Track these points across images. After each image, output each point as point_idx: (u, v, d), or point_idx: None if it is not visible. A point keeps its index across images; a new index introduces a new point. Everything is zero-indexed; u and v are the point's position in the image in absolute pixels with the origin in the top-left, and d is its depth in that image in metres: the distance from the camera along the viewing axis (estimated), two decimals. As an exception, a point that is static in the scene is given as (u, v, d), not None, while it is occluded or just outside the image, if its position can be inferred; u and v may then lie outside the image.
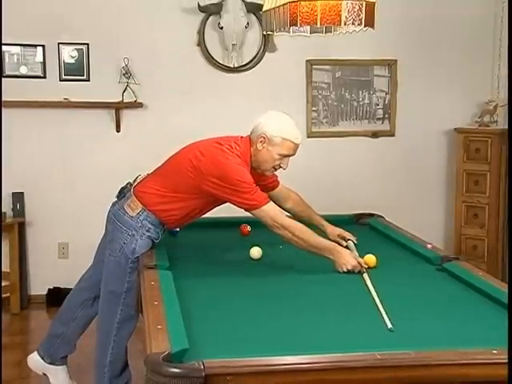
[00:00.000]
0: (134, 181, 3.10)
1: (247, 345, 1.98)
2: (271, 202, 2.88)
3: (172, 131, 4.87)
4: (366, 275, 2.70)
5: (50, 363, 3.35)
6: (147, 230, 2.96)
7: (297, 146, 2.97)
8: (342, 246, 3.04)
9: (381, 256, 2.92)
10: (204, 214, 3.12)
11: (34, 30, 4.71)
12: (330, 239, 3.10)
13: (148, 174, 3.10)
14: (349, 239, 3.19)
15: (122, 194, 3.08)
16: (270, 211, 2.84)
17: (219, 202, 3.01)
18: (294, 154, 2.99)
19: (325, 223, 3.30)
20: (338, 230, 3.25)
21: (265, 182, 3.15)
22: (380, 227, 3.62)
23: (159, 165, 3.11)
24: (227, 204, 3.02)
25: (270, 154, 2.92)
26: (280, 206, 3.20)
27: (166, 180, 2.99)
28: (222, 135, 3.10)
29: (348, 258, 2.78)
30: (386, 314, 2.23)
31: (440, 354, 1.87)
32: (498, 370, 1.79)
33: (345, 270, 2.75)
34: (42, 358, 3.36)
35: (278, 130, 2.92)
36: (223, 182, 2.81)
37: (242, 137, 3.02)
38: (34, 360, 3.39)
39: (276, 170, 3.02)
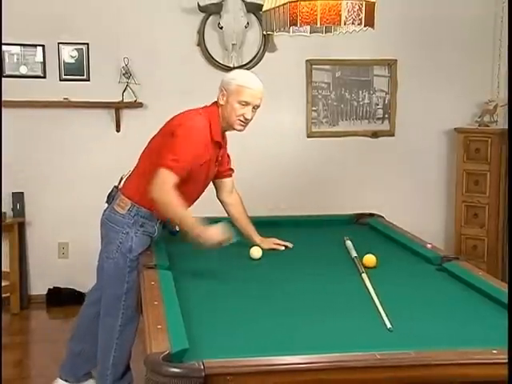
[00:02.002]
0: (119, 183, 3.12)
1: (247, 345, 1.98)
2: (176, 177, 2.80)
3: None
4: (365, 275, 2.70)
5: (76, 382, 3.31)
6: (141, 226, 2.97)
7: (255, 92, 2.93)
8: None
9: (381, 256, 2.92)
10: (192, 199, 3.08)
11: (34, 29, 4.71)
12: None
13: (130, 171, 3.13)
14: (285, 245, 3.22)
15: (111, 198, 3.09)
16: (168, 179, 2.79)
17: (203, 178, 3.03)
18: (256, 104, 2.95)
19: (254, 234, 3.24)
20: (270, 240, 3.22)
21: (220, 168, 3.19)
22: (380, 227, 3.62)
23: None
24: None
25: (231, 105, 2.92)
26: (220, 197, 3.29)
27: (145, 167, 2.99)
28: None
29: (213, 235, 2.74)
30: (386, 314, 2.23)
31: (440, 354, 1.87)
32: (497, 370, 1.79)
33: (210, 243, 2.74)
34: (67, 381, 3.30)
35: (232, 79, 2.96)
36: (174, 135, 2.87)
37: (208, 105, 3.08)
38: None
39: (244, 123, 2.96)
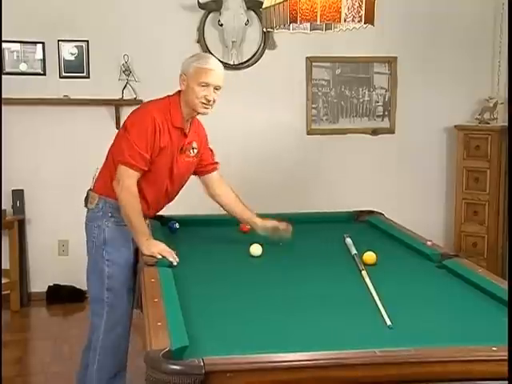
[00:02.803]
0: (92, 182, 3.10)
1: (247, 341, 1.98)
2: (133, 171, 2.80)
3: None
4: (364, 272, 2.70)
5: None
6: (111, 216, 2.92)
7: (214, 72, 2.87)
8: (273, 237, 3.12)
9: (380, 253, 2.92)
10: (164, 197, 3.06)
11: (34, 27, 4.71)
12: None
13: (98, 169, 3.12)
14: (283, 235, 3.15)
15: (87, 201, 3.05)
16: (124, 174, 2.79)
17: (168, 169, 2.95)
18: (218, 85, 2.88)
19: (255, 218, 3.20)
20: (270, 223, 3.17)
21: (202, 163, 3.16)
22: (380, 224, 3.62)
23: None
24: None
25: (191, 88, 2.86)
26: (210, 192, 3.24)
27: (108, 160, 3.00)
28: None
29: (156, 248, 2.73)
30: (385, 311, 2.23)
31: (440, 351, 1.87)
32: (497, 367, 1.79)
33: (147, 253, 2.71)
34: None
35: (189, 62, 2.90)
36: (126, 127, 2.87)
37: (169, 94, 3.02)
38: None
39: (207, 105, 2.88)
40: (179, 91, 2.96)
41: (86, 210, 3.02)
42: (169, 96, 2.99)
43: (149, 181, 2.92)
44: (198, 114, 2.97)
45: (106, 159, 3.06)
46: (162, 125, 2.86)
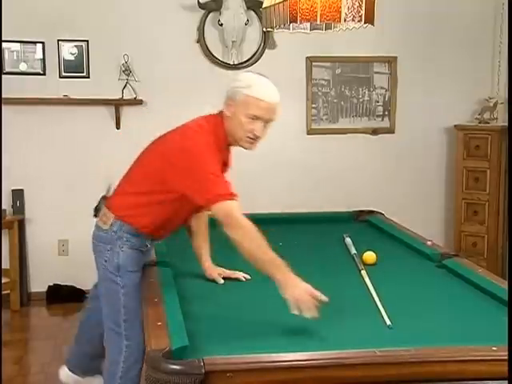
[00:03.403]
0: (107, 192, 2.79)
1: (247, 342, 1.98)
2: (236, 202, 2.39)
3: (171, 128, 4.87)
4: (364, 272, 2.70)
5: (83, 375, 3.09)
6: (127, 240, 2.56)
7: (267, 104, 2.45)
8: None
9: (380, 253, 2.93)
10: (182, 222, 2.74)
11: (34, 26, 4.71)
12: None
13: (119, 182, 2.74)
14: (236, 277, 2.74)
15: (98, 211, 2.73)
16: (232, 212, 2.36)
17: (190, 205, 2.55)
18: (269, 118, 2.49)
19: (206, 258, 2.79)
20: (219, 270, 2.74)
21: None
22: (380, 224, 3.62)
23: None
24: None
25: (238, 118, 2.47)
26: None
27: (139, 185, 2.60)
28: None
29: (302, 296, 2.18)
30: (385, 311, 2.23)
31: (440, 351, 1.87)
32: (497, 367, 1.79)
33: (296, 313, 2.16)
34: (73, 372, 3.09)
35: (238, 87, 2.48)
36: (187, 169, 2.40)
37: (211, 114, 2.62)
38: (67, 375, 3.12)
39: (252, 139, 2.51)
40: (221, 112, 2.57)
41: (97, 226, 2.66)
42: (209, 119, 2.59)
43: (174, 209, 2.58)
44: (240, 147, 2.59)
45: (130, 180, 2.67)
46: (218, 149, 2.50)
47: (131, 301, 2.53)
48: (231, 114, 2.50)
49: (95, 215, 2.74)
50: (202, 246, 2.85)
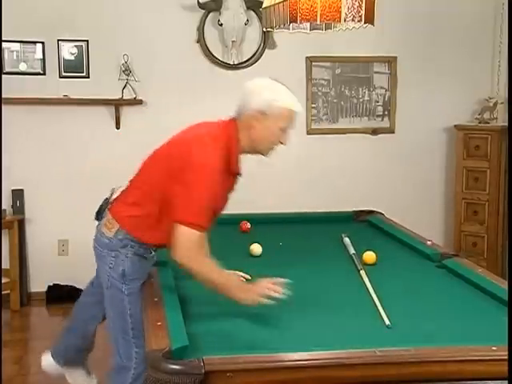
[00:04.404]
0: (110, 195, 2.69)
1: (247, 341, 1.99)
2: (200, 234, 2.35)
3: (172, 128, 4.82)
4: (363, 272, 2.70)
5: (64, 366, 3.10)
6: (131, 247, 2.53)
7: (296, 114, 2.56)
8: None
9: (380, 253, 2.93)
10: None
11: (34, 26, 4.71)
12: None
13: (124, 186, 2.68)
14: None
15: (100, 214, 2.67)
16: (192, 241, 2.33)
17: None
18: (293, 126, 2.58)
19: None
20: None
21: None
22: (380, 224, 3.62)
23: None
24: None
25: (270, 130, 2.47)
26: None
27: (144, 194, 2.54)
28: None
29: (259, 288, 2.31)
30: (384, 310, 2.23)
31: (439, 351, 1.87)
32: (497, 367, 1.79)
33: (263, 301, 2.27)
34: (57, 361, 3.10)
35: (273, 100, 2.48)
36: (190, 183, 2.35)
37: (223, 121, 2.55)
38: (50, 363, 3.13)
39: (273, 148, 2.55)
40: (233, 120, 2.51)
41: (100, 232, 2.60)
42: (223, 126, 2.52)
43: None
44: (260, 155, 2.56)
45: (135, 185, 2.61)
46: (222, 173, 2.42)
47: (137, 308, 2.49)
48: (262, 126, 2.46)
49: (97, 218, 2.68)
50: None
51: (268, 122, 2.46)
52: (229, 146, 2.46)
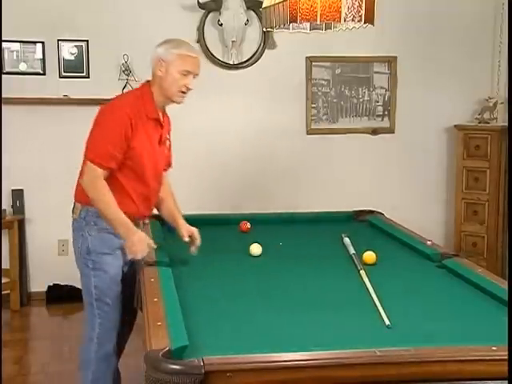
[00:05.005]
0: None
1: (247, 341, 1.98)
2: (99, 169, 2.71)
3: (171, 128, 4.87)
4: (363, 272, 2.70)
5: None
6: (94, 224, 2.81)
7: (195, 59, 2.81)
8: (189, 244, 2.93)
9: (380, 253, 2.93)
10: (155, 191, 2.93)
11: (34, 26, 4.71)
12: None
13: None
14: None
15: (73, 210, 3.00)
16: (92, 173, 2.73)
17: (152, 163, 2.83)
18: (196, 73, 2.81)
19: (179, 217, 3.02)
20: (191, 230, 2.95)
21: (167, 159, 3.03)
22: (380, 224, 3.62)
23: None
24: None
25: (172, 76, 2.77)
26: None
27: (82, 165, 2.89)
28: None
29: (140, 246, 2.69)
30: (384, 310, 2.23)
31: (439, 351, 1.87)
32: (497, 367, 1.79)
33: (136, 257, 2.70)
34: None
35: (167, 48, 2.83)
36: (99, 124, 2.76)
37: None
38: None
39: (184, 93, 2.81)
40: (148, 81, 2.88)
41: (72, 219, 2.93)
42: (137, 89, 2.93)
43: (133, 177, 2.80)
44: (173, 103, 2.86)
45: (82, 167, 2.92)
46: (136, 118, 2.74)
47: (103, 282, 2.79)
48: (163, 73, 2.79)
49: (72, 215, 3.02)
50: (173, 207, 3.07)
51: (169, 68, 2.78)
52: (141, 96, 2.82)
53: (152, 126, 2.83)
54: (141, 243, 2.71)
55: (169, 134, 3.00)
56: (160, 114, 2.87)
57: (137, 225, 2.83)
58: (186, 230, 2.95)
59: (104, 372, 2.84)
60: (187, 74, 2.78)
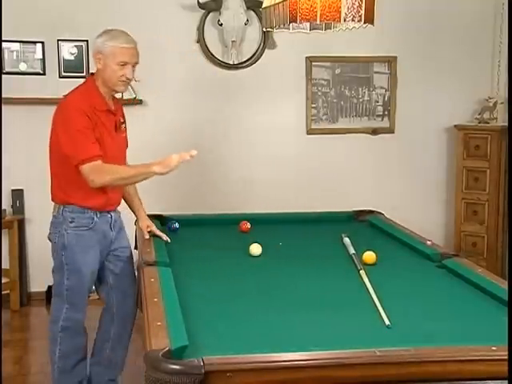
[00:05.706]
0: None
1: (247, 341, 1.98)
2: (98, 161, 2.81)
3: (171, 128, 4.88)
4: (363, 272, 2.70)
5: None
6: (71, 221, 2.96)
7: (131, 50, 2.89)
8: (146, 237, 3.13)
9: (380, 253, 2.93)
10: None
11: (34, 26, 4.71)
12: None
13: None
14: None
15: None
16: (94, 168, 2.80)
17: (116, 149, 3.03)
18: (135, 61, 2.92)
19: (142, 211, 3.24)
20: (149, 223, 3.20)
21: None
22: (380, 224, 3.62)
23: None
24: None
25: (110, 68, 2.87)
26: None
27: (55, 167, 3.10)
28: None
29: (167, 162, 2.76)
30: (384, 310, 2.23)
31: (439, 351, 1.87)
32: (497, 367, 1.79)
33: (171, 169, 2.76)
34: None
35: (103, 41, 2.89)
36: (62, 127, 2.89)
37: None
38: None
39: (126, 82, 2.94)
40: (92, 74, 3.00)
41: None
42: (82, 84, 3.01)
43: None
44: (116, 92, 3.00)
45: (50, 170, 3.13)
46: (89, 112, 2.85)
47: (75, 277, 2.94)
48: (102, 66, 2.89)
49: None
50: (134, 195, 3.23)
51: (106, 61, 2.88)
52: (86, 91, 2.92)
53: (105, 116, 2.95)
54: (166, 161, 2.76)
55: (123, 117, 3.15)
56: (111, 103, 2.99)
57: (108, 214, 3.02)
58: (145, 225, 3.17)
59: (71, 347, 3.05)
60: (125, 65, 2.88)
